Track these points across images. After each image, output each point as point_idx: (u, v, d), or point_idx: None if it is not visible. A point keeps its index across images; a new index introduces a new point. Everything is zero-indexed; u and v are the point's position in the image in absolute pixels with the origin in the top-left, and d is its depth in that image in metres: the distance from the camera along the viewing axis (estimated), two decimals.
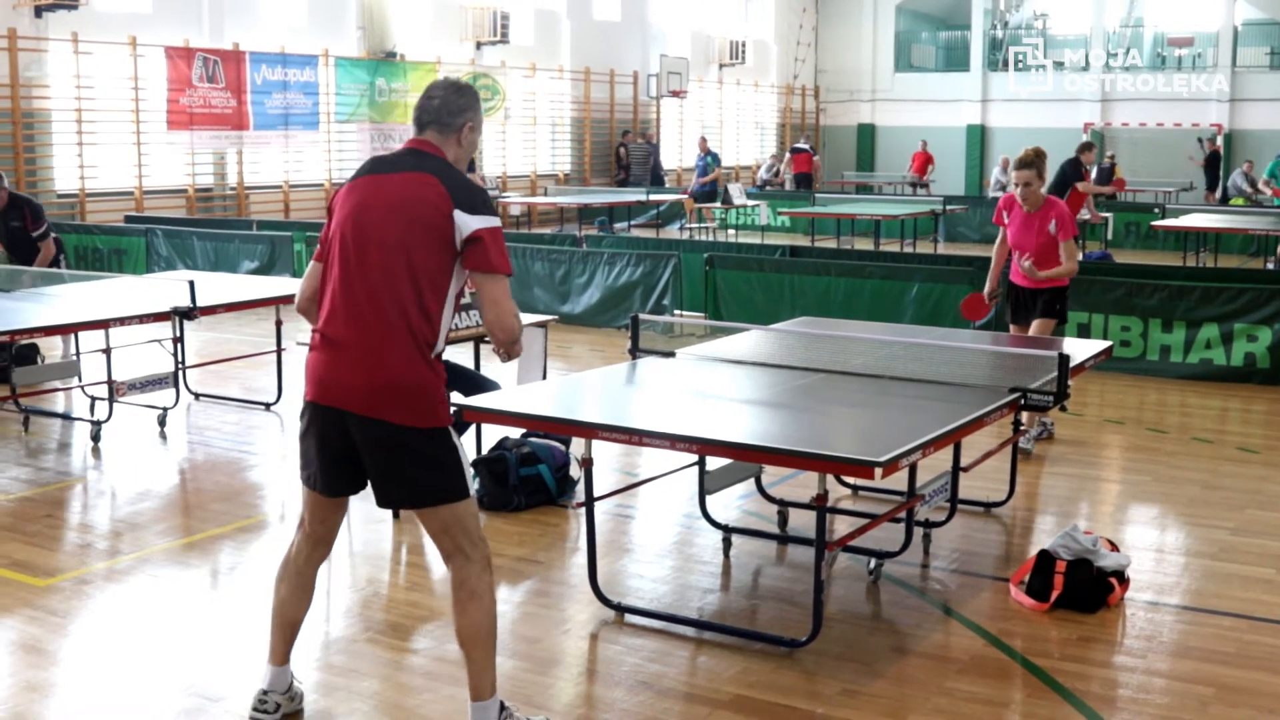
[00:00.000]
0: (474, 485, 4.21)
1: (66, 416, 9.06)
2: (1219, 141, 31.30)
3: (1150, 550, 6.33)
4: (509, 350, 4.10)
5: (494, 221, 3.94)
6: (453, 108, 4.08)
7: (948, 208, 22.31)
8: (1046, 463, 7.92)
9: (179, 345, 8.72)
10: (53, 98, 18.60)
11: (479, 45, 25.49)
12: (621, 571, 5.93)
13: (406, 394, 3.87)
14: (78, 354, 9.12)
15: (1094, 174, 20.79)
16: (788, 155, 30.00)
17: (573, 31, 27.99)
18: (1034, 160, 8.01)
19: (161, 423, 8.59)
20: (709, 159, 24.17)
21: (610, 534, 6.43)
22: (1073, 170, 15.39)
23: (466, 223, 3.88)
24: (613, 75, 29.01)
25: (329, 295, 3.99)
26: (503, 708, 4.15)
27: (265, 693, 4.31)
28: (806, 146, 29.45)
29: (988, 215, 22.78)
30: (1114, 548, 5.85)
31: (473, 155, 4.20)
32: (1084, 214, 17.88)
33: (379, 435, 3.91)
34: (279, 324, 9.32)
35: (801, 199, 25.35)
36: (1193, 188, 28.93)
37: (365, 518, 6.75)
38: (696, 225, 23.18)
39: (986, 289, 8.43)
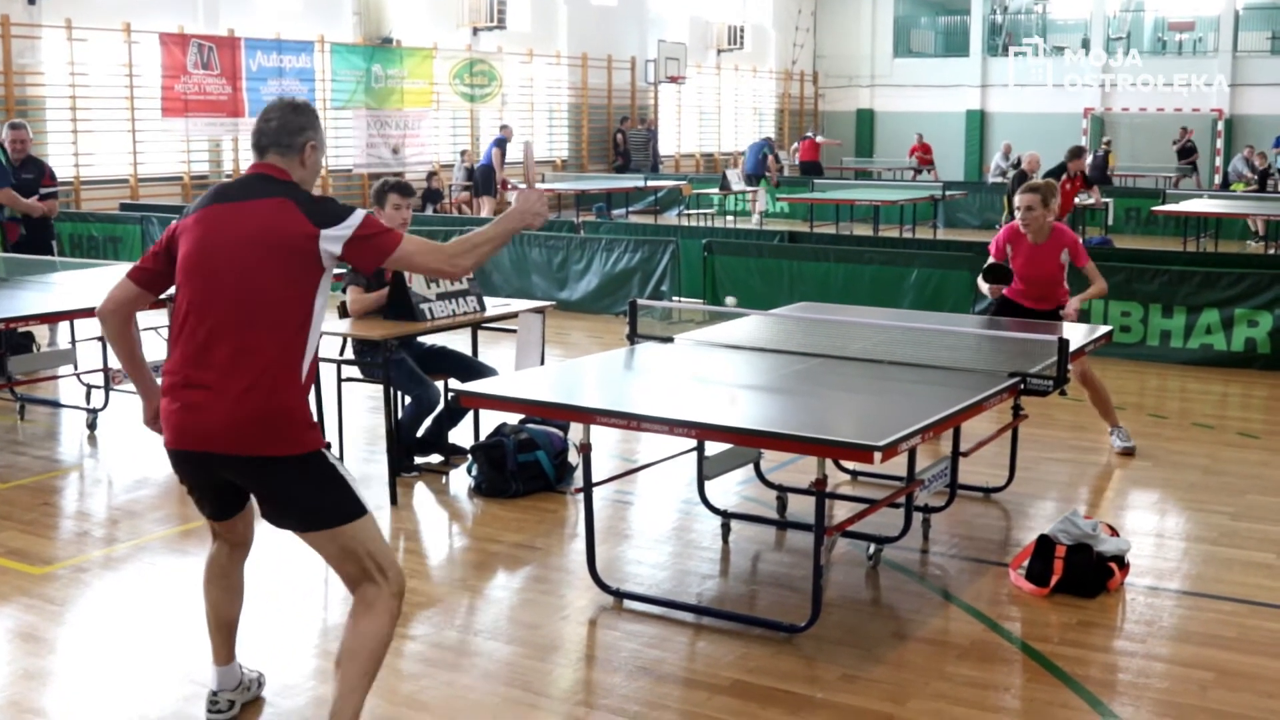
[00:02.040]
0: (371, 499, 3.93)
1: (62, 405, 9.03)
2: (1219, 127, 31.30)
3: (1150, 535, 6.31)
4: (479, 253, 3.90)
5: (359, 215, 3.76)
6: (291, 127, 3.87)
7: (947, 193, 22.29)
8: (1046, 448, 7.90)
9: None
10: (46, 85, 18.54)
11: (475, 31, 25.41)
12: (620, 557, 5.91)
13: (271, 425, 3.67)
14: (73, 342, 9.10)
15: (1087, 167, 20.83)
16: (795, 145, 30.14)
17: (570, 17, 27.91)
18: (1042, 189, 7.64)
19: None
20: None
21: (609, 520, 6.41)
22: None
23: (339, 234, 3.71)
24: (610, 61, 28.93)
25: (180, 335, 3.76)
26: None
27: (215, 694, 4.25)
28: (810, 134, 29.67)
29: (987, 201, 22.81)
30: (1114, 533, 5.84)
31: (318, 175, 4.02)
32: (1086, 199, 17.79)
33: (250, 471, 3.74)
34: None
35: (800, 185, 25.33)
36: (1185, 173, 28.91)
37: None
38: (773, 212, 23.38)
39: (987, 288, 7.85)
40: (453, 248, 3.84)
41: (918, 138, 31.71)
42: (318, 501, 3.76)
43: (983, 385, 5.36)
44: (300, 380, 3.74)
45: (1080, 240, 7.86)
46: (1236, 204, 20.17)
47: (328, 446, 3.82)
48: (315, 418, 3.86)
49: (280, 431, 3.69)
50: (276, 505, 3.82)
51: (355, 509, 3.78)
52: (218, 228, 3.76)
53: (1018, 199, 7.67)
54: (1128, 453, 7.76)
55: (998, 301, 7.94)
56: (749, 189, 23.66)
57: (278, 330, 3.69)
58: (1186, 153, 29.11)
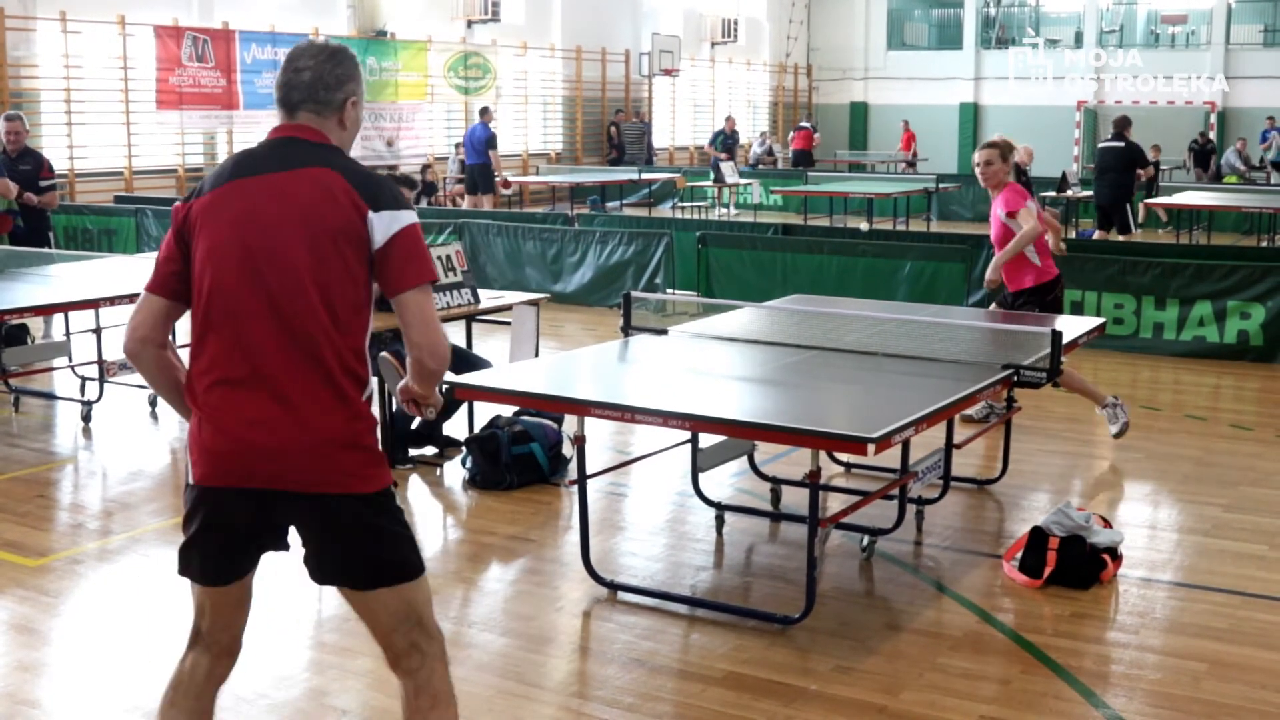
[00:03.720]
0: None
1: (57, 397, 9.03)
2: (1212, 120, 31.30)
3: (1143, 527, 6.33)
4: (428, 389, 3.28)
5: (411, 217, 3.09)
6: (329, 80, 3.17)
7: (940, 186, 22.29)
8: (1040, 440, 7.91)
9: None
10: (41, 78, 18.49)
11: (470, 24, 25.37)
12: (614, 549, 5.92)
13: (345, 455, 3.03)
14: (68, 334, 9.09)
15: None
16: (791, 133, 30.12)
17: (564, 9, 27.87)
18: (999, 144, 7.86)
19: (152, 403, 8.56)
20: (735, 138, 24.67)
21: (603, 512, 6.42)
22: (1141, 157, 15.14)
23: (383, 224, 3.03)
24: (604, 54, 28.90)
25: (212, 344, 3.05)
26: None
27: None
28: (807, 124, 29.64)
29: (980, 194, 22.76)
30: (1107, 524, 5.85)
31: (356, 137, 3.33)
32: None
33: (318, 513, 3.07)
34: None
35: (794, 177, 25.34)
36: (1185, 167, 28.93)
37: None
38: (738, 206, 23.37)
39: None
40: (446, 345, 3.16)
41: (903, 125, 31.69)
42: (384, 551, 3.12)
43: (976, 377, 5.38)
44: (365, 399, 3.10)
45: (1019, 192, 7.78)
46: (1229, 196, 20.20)
47: (395, 484, 3.23)
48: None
49: (350, 464, 3.04)
50: (336, 557, 3.13)
51: (418, 564, 3.18)
52: (249, 208, 3.06)
53: (976, 155, 7.93)
54: (1123, 431, 7.69)
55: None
56: (745, 181, 23.69)
57: (340, 334, 3.04)
58: (1205, 157, 28.70)
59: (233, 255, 3.05)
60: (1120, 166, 14.85)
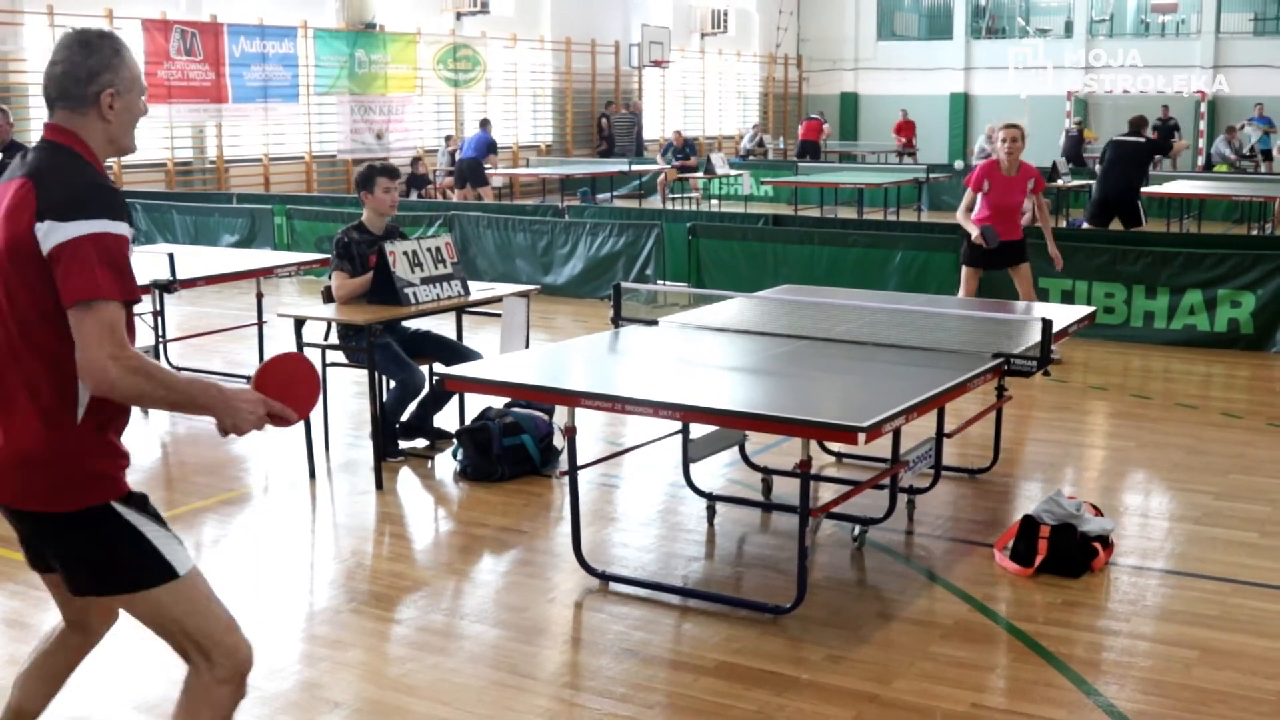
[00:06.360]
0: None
1: None
2: (1202, 108, 31.33)
3: (1134, 515, 6.34)
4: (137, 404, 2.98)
5: (91, 227, 2.85)
6: (80, 73, 3.02)
7: (931, 176, 22.30)
8: (1031, 429, 7.92)
9: (159, 319, 8.66)
10: (29, 72, 18.41)
11: (459, 16, 25.32)
12: (606, 540, 5.92)
13: (39, 473, 2.94)
14: None
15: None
16: (802, 125, 30.19)
17: (553, 1, 27.84)
18: (1020, 125, 9.44)
19: None
20: (686, 150, 24.55)
21: (594, 503, 6.42)
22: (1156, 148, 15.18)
23: (44, 234, 2.83)
24: (594, 45, 28.87)
25: None
26: None
27: None
28: (817, 115, 29.75)
29: None
30: (1098, 513, 5.86)
31: (134, 126, 3.30)
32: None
33: (26, 526, 3.07)
34: (260, 297, 9.27)
35: (785, 168, 25.33)
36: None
37: (350, 489, 6.74)
38: (679, 195, 23.26)
39: (975, 235, 9.33)
40: (136, 360, 2.86)
41: (902, 114, 31.62)
42: (100, 565, 3.02)
43: (967, 366, 5.38)
44: (75, 418, 2.93)
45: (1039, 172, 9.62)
46: (1220, 185, 20.23)
47: (128, 497, 3.07)
48: (115, 462, 3.05)
49: (46, 482, 2.94)
50: (60, 567, 3.10)
51: (152, 575, 3.02)
52: None
53: (1003, 132, 9.34)
54: None
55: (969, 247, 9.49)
56: (735, 173, 23.66)
57: (33, 352, 2.91)
58: (1168, 133, 28.87)
59: None
60: (1137, 160, 14.78)
